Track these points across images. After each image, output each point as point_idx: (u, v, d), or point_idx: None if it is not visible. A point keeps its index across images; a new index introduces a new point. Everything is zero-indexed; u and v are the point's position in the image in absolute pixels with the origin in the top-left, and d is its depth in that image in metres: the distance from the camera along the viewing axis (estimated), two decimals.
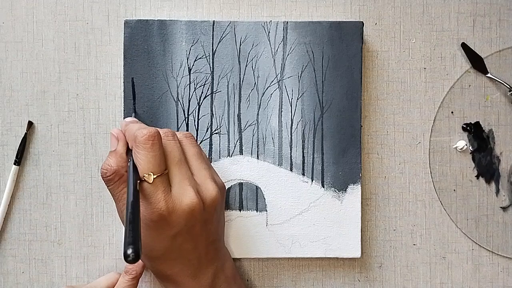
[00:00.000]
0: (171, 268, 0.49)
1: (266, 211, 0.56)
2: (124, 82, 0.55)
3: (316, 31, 0.55)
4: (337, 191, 0.56)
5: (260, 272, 0.57)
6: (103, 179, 0.48)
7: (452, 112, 0.58)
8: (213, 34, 0.55)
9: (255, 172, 0.55)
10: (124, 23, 0.54)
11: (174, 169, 0.48)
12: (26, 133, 0.56)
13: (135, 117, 0.54)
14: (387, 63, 0.57)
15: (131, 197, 0.43)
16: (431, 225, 0.58)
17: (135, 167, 0.46)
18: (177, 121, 0.55)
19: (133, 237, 0.41)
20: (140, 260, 0.53)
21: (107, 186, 0.49)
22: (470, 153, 0.58)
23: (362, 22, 0.55)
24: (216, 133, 0.56)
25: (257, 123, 0.56)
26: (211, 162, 0.55)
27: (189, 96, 0.55)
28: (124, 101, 0.55)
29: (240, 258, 0.57)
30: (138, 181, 0.46)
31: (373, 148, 0.58)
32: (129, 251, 0.40)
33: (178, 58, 0.55)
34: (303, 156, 0.56)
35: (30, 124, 0.56)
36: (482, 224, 0.58)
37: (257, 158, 0.56)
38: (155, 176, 0.46)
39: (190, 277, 0.50)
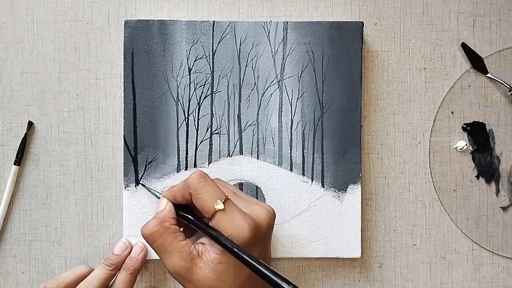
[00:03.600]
0: None
1: None
2: (124, 82, 0.55)
3: (316, 31, 0.55)
4: (337, 191, 0.56)
5: None
6: (147, 240, 0.47)
7: (452, 112, 0.58)
8: (213, 34, 0.55)
9: (255, 172, 0.55)
10: (124, 23, 0.54)
11: (231, 197, 0.48)
12: (26, 133, 0.56)
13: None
14: (387, 63, 0.57)
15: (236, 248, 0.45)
16: (431, 225, 0.58)
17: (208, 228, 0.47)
18: (177, 121, 0.55)
19: (279, 277, 0.43)
20: (139, 256, 0.53)
21: (154, 245, 0.47)
22: (470, 153, 0.58)
23: (362, 22, 0.55)
24: (216, 133, 0.56)
25: (257, 123, 0.56)
26: (211, 163, 0.55)
27: (189, 96, 0.55)
28: (124, 101, 0.55)
29: None
30: (214, 212, 0.46)
31: (373, 148, 0.58)
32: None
33: (178, 58, 0.55)
34: (303, 156, 0.56)
35: (30, 124, 0.56)
36: (482, 224, 0.58)
37: (257, 158, 0.56)
38: (223, 200, 0.46)
39: None
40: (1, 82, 0.56)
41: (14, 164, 0.56)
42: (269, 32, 0.55)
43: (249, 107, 0.56)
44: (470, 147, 0.58)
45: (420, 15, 0.57)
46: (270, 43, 0.55)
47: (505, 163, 0.58)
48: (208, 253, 0.47)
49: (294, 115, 0.56)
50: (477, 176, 0.58)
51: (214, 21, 0.55)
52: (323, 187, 0.56)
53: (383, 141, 0.58)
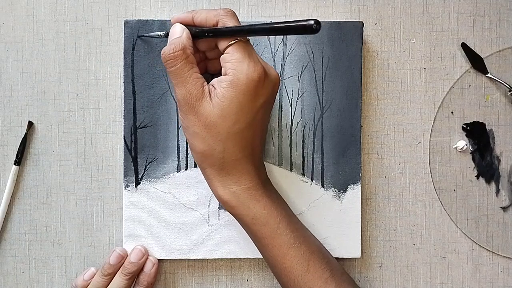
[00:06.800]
0: (242, 150, 0.48)
1: None
2: (124, 82, 0.55)
3: None
4: (337, 191, 0.56)
5: (260, 272, 0.57)
6: (167, 62, 0.47)
7: (452, 112, 0.58)
8: None
9: None
10: (124, 23, 0.54)
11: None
12: (26, 133, 0.56)
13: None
14: (387, 63, 0.57)
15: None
16: (431, 225, 0.58)
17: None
18: (177, 121, 0.55)
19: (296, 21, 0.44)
20: (151, 271, 0.53)
21: (172, 68, 0.47)
22: (470, 153, 0.58)
23: (362, 22, 0.55)
24: None
25: None
26: None
27: None
28: (124, 101, 0.55)
29: (240, 258, 0.57)
30: (233, 42, 0.47)
31: (373, 148, 0.58)
32: (312, 22, 0.42)
33: None
34: (303, 156, 0.56)
35: (30, 124, 0.56)
36: (482, 224, 0.58)
37: None
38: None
39: (254, 165, 0.49)
40: (1, 82, 0.56)
41: (14, 164, 0.56)
42: None
43: None
44: (470, 147, 0.58)
45: (420, 15, 0.57)
46: (270, 43, 0.55)
47: (505, 163, 0.58)
48: (215, 90, 0.47)
49: (294, 115, 0.56)
50: (477, 176, 0.58)
51: None
52: (323, 187, 0.56)
53: (383, 141, 0.58)
